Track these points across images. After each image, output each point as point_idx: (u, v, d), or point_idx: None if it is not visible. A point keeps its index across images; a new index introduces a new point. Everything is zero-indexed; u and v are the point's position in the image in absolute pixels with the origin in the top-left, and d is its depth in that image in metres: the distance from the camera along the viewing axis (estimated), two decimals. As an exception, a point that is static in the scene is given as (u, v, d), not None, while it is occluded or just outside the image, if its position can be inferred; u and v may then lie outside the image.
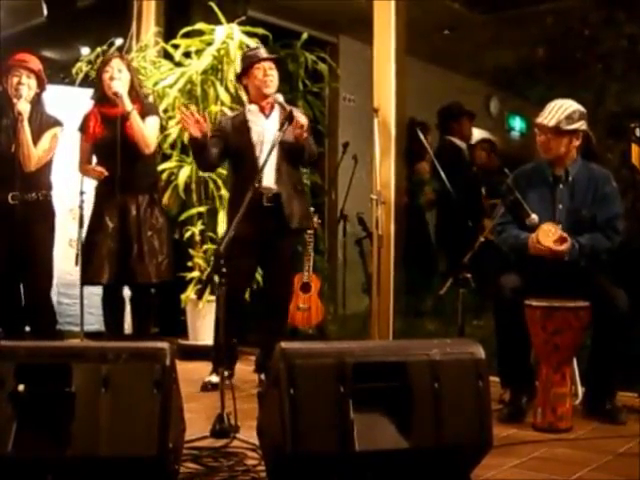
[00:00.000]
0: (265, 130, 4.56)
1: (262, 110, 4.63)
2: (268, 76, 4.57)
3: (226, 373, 4.71)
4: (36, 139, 4.56)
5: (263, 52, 4.67)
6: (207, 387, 4.51)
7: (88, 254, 4.64)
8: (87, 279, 4.68)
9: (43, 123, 4.64)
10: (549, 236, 3.79)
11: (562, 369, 3.72)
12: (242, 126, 4.61)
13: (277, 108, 4.64)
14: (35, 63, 4.65)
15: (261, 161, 4.32)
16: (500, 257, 4.19)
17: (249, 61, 4.66)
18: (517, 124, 9.61)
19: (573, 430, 3.65)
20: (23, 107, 4.49)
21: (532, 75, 7.32)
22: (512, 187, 3.91)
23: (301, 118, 4.38)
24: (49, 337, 4.65)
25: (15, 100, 4.50)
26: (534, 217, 3.82)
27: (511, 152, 8.29)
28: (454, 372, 2.59)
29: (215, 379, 4.50)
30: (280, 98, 4.53)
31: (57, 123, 4.71)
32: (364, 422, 2.49)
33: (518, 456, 3.21)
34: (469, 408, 2.58)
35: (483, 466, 2.71)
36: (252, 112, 4.64)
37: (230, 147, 4.61)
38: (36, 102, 4.64)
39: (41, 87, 4.68)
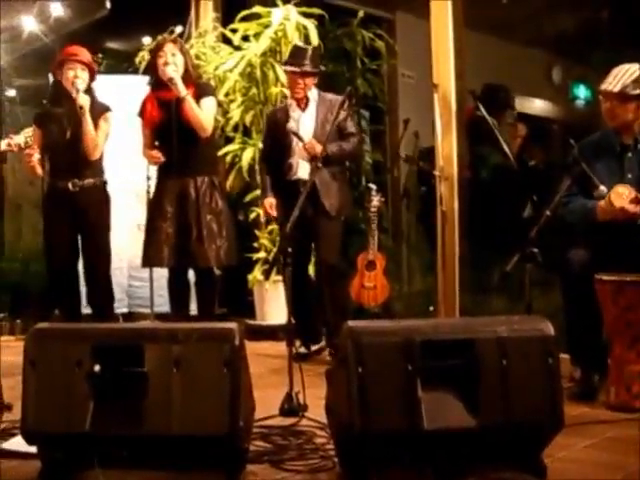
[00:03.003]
0: (300, 123, 4.82)
1: (299, 105, 4.88)
2: (298, 84, 4.83)
3: (314, 347, 4.88)
4: (94, 127, 4.67)
5: (304, 59, 4.81)
6: (295, 356, 4.56)
7: (148, 238, 4.73)
8: (147, 262, 4.78)
9: (95, 111, 4.74)
10: (623, 197, 3.68)
11: (636, 346, 3.57)
12: (283, 119, 4.88)
13: (314, 100, 4.87)
14: (86, 55, 4.77)
15: (296, 153, 4.75)
16: (568, 231, 4.11)
17: (285, 62, 5.00)
18: (582, 92, 9.40)
19: (648, 409, 3.54)
20: (84, 101, 4.61)
21: (596, 40, 7.08)
22: (578, 158, 3.81)
23: (312, 150, 4.65)
24: (107, 319, 4.79)
25: (74, 94, 4.60)
26: (602, 188, 3.72)
27: (576, 122, 8.13)
28: (523, 349, 2.56)
29: (303, 350, 4.83)
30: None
31: (107, 109, 4.82)
32: (432, 400, 2.48)
33: (590, 436, 3.13)
34: (539, 386, 2.54)
35: (554, 446, 2.66)
36: (291, 106, 4.93)
37: (273, 141, 4.92)
38: (88, 92, 4.74)
39: (92, 77, 4.78)
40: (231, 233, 4.80)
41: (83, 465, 2.55)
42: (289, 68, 4.88)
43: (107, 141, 4.83)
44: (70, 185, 4.67)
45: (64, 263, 4.77)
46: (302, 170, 4.79)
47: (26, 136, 4.71)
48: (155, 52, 4.76)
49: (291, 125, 4.81)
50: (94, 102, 4.77)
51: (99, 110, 4.77)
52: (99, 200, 4.79)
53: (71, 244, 4.75)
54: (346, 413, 2.48)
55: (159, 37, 5.88)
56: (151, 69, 4.80)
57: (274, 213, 4.91)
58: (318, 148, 4.58)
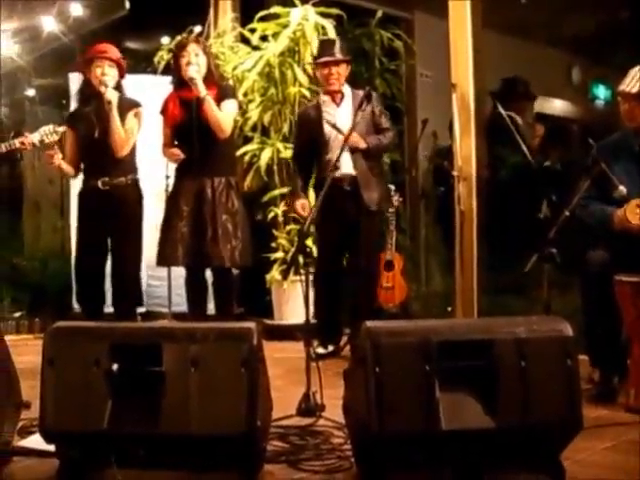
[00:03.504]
0: (337, 118, 4.80)
1: (333, 100, 4.88)
2: (332, 75, 4.83)
3: (331, 348, 4.89)
4: (121, 123, 4.69)
5: (334, 49, 4.83)
6: (312, 357, 4.56)
7: (163, 236, 4.74)
8: (162, 260, 4.78)
9: (124, 106, 4.75)
10: (637, 212, 3.66)
11: (656, 348, 3.55)
12: (317, 116, 4.88)
13: (348, 95, 4.87)
14: (114, 52, 4.77)
15: (334, 148, 4.69)
16: (586, 232, 4.09)
17: (317, 56, 4.98)
18: (601, 92, 9.36)
19: (668, 412, 3.50)
20: (111, 95, 4.63)
21: (615, 40, 7.06)
22: (597, 158, 3.78)
23: (356, 143, 4.68)
24: (130, 319, 4.79)
25: (103, 89, 4.61)
26: (622, 189, 3.69)
27: (596, 122, 8.08)
28: (541, 350, 2.54)
29: (322, 350, 4.80)
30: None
31: (136, 104, 4.83)
32: (450, 401, 2.48)
33: (610, 438, 3.10)
34: (557, 387, 2.53)
35: (573, 448, 2.64)
36: (325, 102, 4.92)
37: (310, 136, 4.88)
38: (117, 89, 4.76)
39: (121, 74, 4.79)
40: (246, 234, 4.79)
41: (100, 464, 2.56)
42: (322, 60, 4.87)
43: (137, 137, 4.83)
44: (100, 183, 4.69)
45: (92, 262, 4.79)
46: (344, 165, 4.75)
47: (42, 134, 4.73)
48: (178, 52, 4.76)
49: (329, 118, 4.80)
50: (124, 98, 4.78)
51: (129, 105, 4.78)
52: (130, 199, 4.80)
53: (101, 243, 4.76)
54: (363, 413, 2.47)
55: (178, 37, 5.92)
56: (174, 69, 4.81)
57: (305, 213, 4.87)
58: (360, 140, 4.68)
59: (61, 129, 4.80)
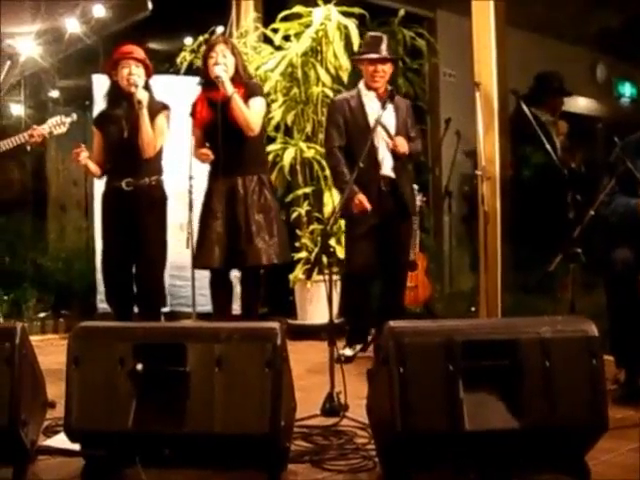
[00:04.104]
0: (380, 117, 4.65)
1: (380, 97, 4.78)
2: (378, 72, 4.77)
3: (358, 347, 4.87)
4: (150, 124, 4.69)
5: (382, 46, 4.78)
6: (340, 360, 4.54)
7: (199, 239, 4.70)
8: (198, 264, 4.75)
9: (153, 108, 4.74)
10: None
11: (681, 348, 3.51)
12: (359, 109, 4.79)
13: (393, 99, 4.74)
14: (140, 52, 4.77)
15: (377, 146, 4.67)
16: (611, 230, 4.06)
17: (361, 52, 4.92)
18: (626, 90, 9.29)
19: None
20: (142, 95, 4.62)
21: (640, 37, 7.03)
22: (621, 156, 3.76)
23: (402, 147, 4.68)
24: (154, 318, 4.80)
25: (133, 89, 4.63)
26: (647, 186, 3.67)
27: (621, 120, 8.02)
28: (566, 350, 2.53)
29: (349, 352, 4.78)
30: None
31: (165, 107, 4.82)
32: (474, 401, 2.47)
33: (635, 439, 3.05)
34: (582, 388, 2.51)
35: (598, 449, 2.62)
36: (368, 97, 4.82)
37: (348, 130, 4.80)
38: (145, 89, 4.74)
39: (148, 74, 4.80)
40: (282, 230, 4.76)
41: (125, 463, 2.58)
42: (369, 56, 4.79)
43: (165, 139, 4.83)
44: (124, 184, 4.69)
45: (118, 262, 4.79)
46: (386, 166, 4.75)
47: (50, 126, 4.76)
48: (207, 52, 4.74)
49: (380, 118, 4.55)
50: (152, 99, 4.78)
51: (157, 107, 4.78)
52: (154, 200, 4.78)
53: (126, 244, 4.74)
54: (387, 413, 2.47)
55: (200, 38, 5.94)
56: (202, 69, 4.81)
57: (369, 206, 4.64)
58: (406, 146, 4.71)
59: (69, 119, 4.82)
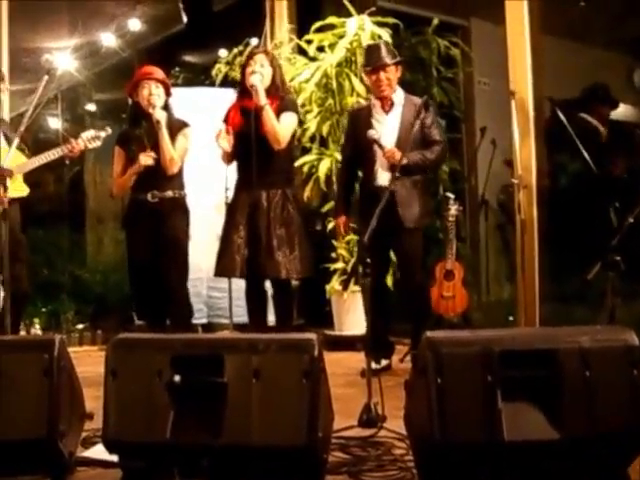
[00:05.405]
0: (383, 126, 4.72)
1: (382, 106, 4.78)
2: (382, 81, 4.73)
3: (384, 362, 4.81)
4: (171, 142, 4.76)
5: (381, 54, 4.74)
6: (364, 374, 4.52)
7: (221, 248, 4.76)
8: (219, 271, 4.80)
9: (173, 126, 4.83)
10: None
11: None
12: (366, 120, 4.78)
13: (399, 103, 4.76)
14: (159, 73, 4.86)
15: (376, 158, 4.66)
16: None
17: (364, 64, 4.91)
18: (666, 96, 9.16)
19: None
20: (160, 115, 4.72)
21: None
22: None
23: (391, 159, 4.59)
24: (184, 330, 4.80)
25: (151, 110, 4.69)
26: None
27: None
28: (606, 360, 2.49)
29: (374, 365, 4.60)
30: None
31: (185, 124, 4.90)
32: (512, 411, 2.44)
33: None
34: (623, 398, 2.47)
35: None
36: (375, 107, 4.83)
37: (356, 142, 4.82)
38: (165, 108, 4.84)
39: (168, 94, 4.86)
40: (305, 244, 4.75)
41: (163, 474, 2.58)
42: (367, 68, 4.80)
43: (186, 156, 4.89)
44: (149, 196, 4.75)
45: (145, 275, 4.84)
46: (383, 177, 4.70)
47: (85, 140, 4.85)
48: (246, 61, 4.81)
49: (372, 132, 4.63)
50: (172, 118, 4.86)
51: (177, 126, 4.86)
52: (178, 213, 4.85)
53: (151, 256, 4.80)
54: (425, 424, 2.45)
55: (235, 49, 5.98)
56: (240, 78, 4.85)
57: (343, 232, 4.90)
58: (398, 156, 4.51)
59: (103, 133, 4.89)
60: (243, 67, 4.80)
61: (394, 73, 4.76)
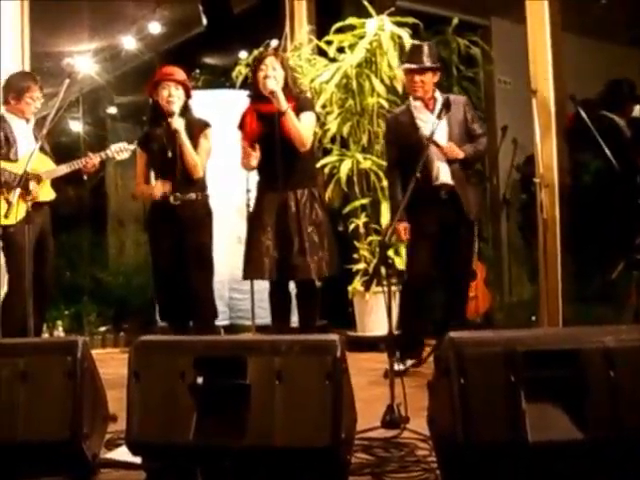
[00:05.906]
0: (432, 125, 4.61)
1: (426, 106, 4.78)
2: (416, 83, 4.75)
3: (409, 362, 4.81)
4: (194, 145, 4.76)
5: (422, 56, 4.74)
6: (387, 375, 4.51)
7: (248, 251, 4.73)
8: (248, 275, 4.78)
9: (194, 127, 4.82)
10: None
11: None
12: (410, 124, 4.78)
13: (439, 102, 4.71)
14: (180, 74, 4.85)
15: (433, 156, 4.66)
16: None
17: (404, 62, 4.90)
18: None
19: None
20: (178, 124, 4.70)
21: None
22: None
23: (451, 154, 4.67)
24: (209, 331, 4.82)
25: (169, 119, 4.70)
26: None
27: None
28: (631, 360, 2.47)
29: (399, 367, 4.64)
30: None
31: (207, 125, 4.89)
32: (536, 412, 2.42)
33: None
34: (649, 399, 2.46)
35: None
36: (417, 108, 4.81)
37: (401, 145, 4.80)
38: (185, 109, 4.84)
39: (188, 95, 4.86)
40: (332, 244, 4.76)
41: (186, 476, 2.59)
42: (407, 66, 4.79)
43: (209, 157, 4.89)
44: (172, 198, 4.75)
45: (169, 277, 4.84)
46: (444, 174, 4.73)
47: (113, 151, 4.93)
48: (256, 65, 4.75)
49: (423, 133, 4.64)
50: (192, 119, 4.85)
51: (198, 127, 4.85)
52: (201, 214, 4.85)
53: (175, 258, 4.80)
54: (449, 425, 2.44)
55: (255, 51, 5.99)
56: (252, 82, 4.82)
57: (405, 238, 4.81)
58: (458, 151, 4.65)
59: (132, 147, 4.92)
60: (254, 71, 4.75)
61: (430, 77, 4.76)
